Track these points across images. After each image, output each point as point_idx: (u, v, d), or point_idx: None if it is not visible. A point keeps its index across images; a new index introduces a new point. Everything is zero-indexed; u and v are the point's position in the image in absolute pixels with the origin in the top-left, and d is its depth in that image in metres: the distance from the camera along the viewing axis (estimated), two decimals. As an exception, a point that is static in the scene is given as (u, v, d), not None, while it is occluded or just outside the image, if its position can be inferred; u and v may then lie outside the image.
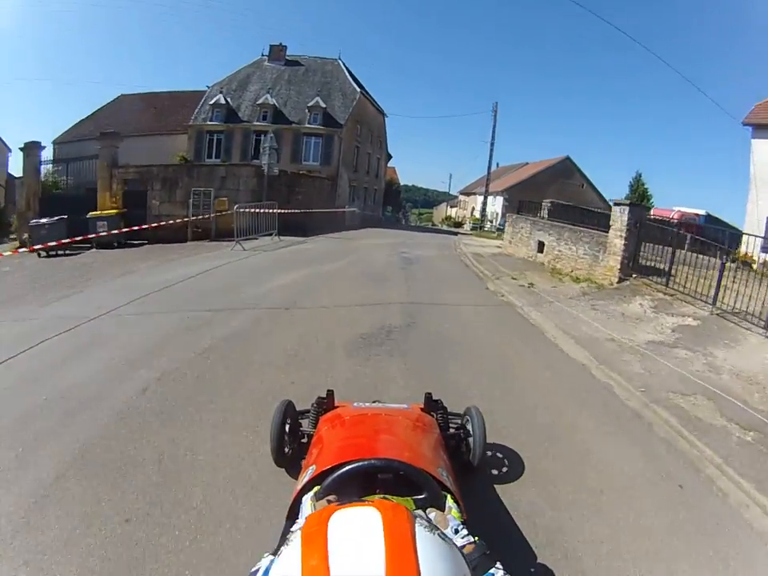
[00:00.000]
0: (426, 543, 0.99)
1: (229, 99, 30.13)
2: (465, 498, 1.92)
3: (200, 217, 15.98)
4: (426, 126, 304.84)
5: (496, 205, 45.17)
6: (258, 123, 28.63)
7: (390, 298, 7.56)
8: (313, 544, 0.97)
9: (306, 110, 27.87)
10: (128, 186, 18.13)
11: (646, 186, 49.59)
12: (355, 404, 2.82)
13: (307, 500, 1.69)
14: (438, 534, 1.06)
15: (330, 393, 2.94)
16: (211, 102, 30.02)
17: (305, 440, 2.89)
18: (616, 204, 10.17)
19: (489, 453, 3.08)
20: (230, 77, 31.81)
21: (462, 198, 64.26)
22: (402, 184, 65.62)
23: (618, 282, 9.71)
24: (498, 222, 43.31)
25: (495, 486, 2.97)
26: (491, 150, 34.71)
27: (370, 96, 32.48)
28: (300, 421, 3.03)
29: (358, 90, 29.88)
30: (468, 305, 7.69)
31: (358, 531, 0.99)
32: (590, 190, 47.15)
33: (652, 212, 18.04)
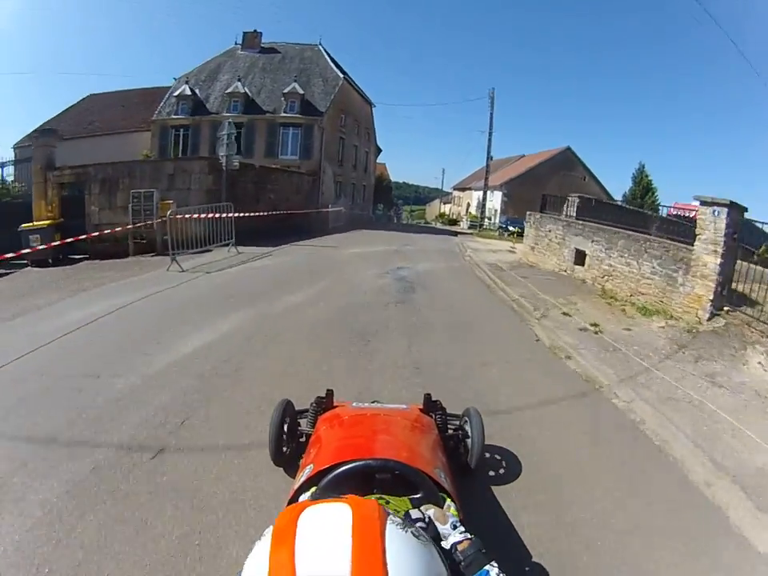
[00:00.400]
0: (395, 540, 0.97)
1: (196, 90, 26.60)
2: (462, 497, 1.90)
3: (142, 224, 12.60)
4: (417, 122, 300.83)
5: (494, 200, 42.02)
6: (229, 114, 25.10)
7: (381, 387, 4.15)
8: (282, 540, 0.96)
9: (282, 98, 24.42)
10: (66, 191, 14.86)
11: (650, 178, 46.88)
12: (354, 404, 2.82)
13: (305, 500, 1.67)
14: (411, 532, 1.03)
15: (330, 392, 2.91)
16: (176, 94, 26.47)
17: (303, 439, 2.80)
18: (704, 203, 6.94)
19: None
20: (200, 67, 28.30)
21: (455, 193, 61.11)
22: (392, 181, 63.35)
23: (708, 319, 6.55)
24: (497, 219, 40.25)
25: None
26: (489, 140, 31.53)
27: (354, 83, 29.10)
28: (299, 420, 2.96)
29: (341, 75, 26.47)
30: (522, 394, 4.22)
31: (327, 527, 0.98)
32: (593, 183, 44.20)
33: (672, 207, 15.15)
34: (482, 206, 32.79)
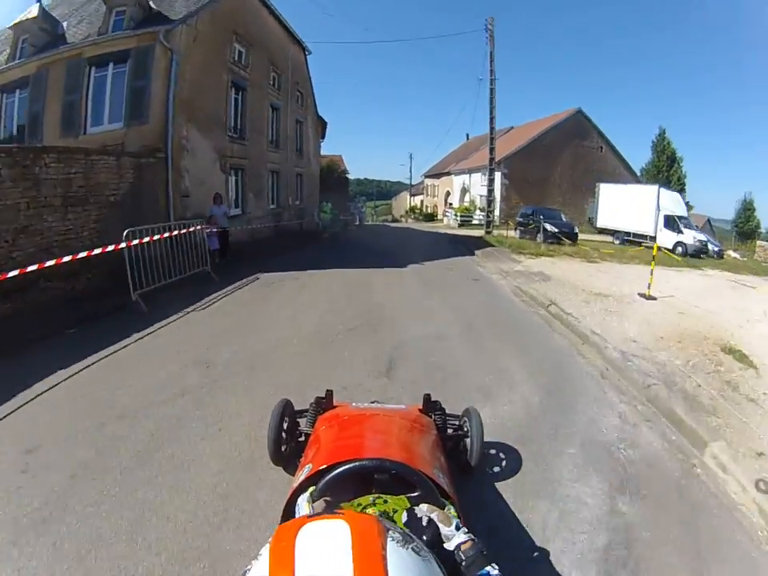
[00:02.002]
0: (397, 560, 0.94)
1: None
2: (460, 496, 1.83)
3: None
4: (376, 109, 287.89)
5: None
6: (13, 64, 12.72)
7: None
8: (280, 562, 0.93)
9: (106, 14, 11.98)
10: None
11: (673, 147, 37.32)
12: (353, 404, 2.79)
13: (303, 501, 1.66)
14: (412, 548, 1.00)
15: (329, 393, 2.88)
16: None
17: (302, 439, 2.82)
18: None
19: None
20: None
21: (428, 182, 49.81)
22: (352, 177, 53.15)
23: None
24: (497, 211, 29.18)
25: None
26: (491, 91, 20.05)
27: (273, 6, 16.85)
28: (298, 420, 2.96)
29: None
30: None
31: (326, 546, 0.95)
32: (611, 155, 33.93)
33: None
34: (488, 191, 21.21)
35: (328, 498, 1.60)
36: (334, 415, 2.63)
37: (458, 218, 29.41)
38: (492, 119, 20.04)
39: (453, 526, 1.40)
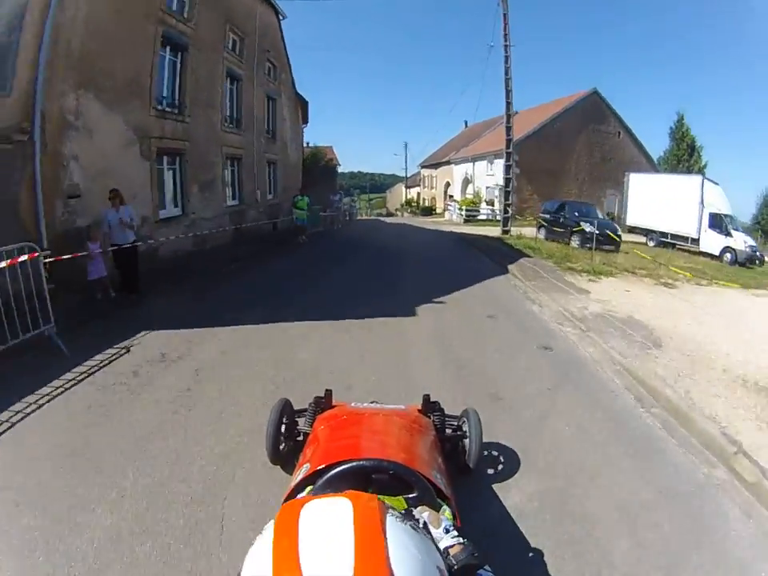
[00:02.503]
0: (396, 534, 0.98)
1: None
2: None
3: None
4: (368, 97, 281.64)
5: (495, 173, 27.38)
6: None
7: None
8: (284, 536, 0.96)
9: None
10: None
11: (692, 134, 33.98)
12: (352, 404, 2.75)
13: None
14: (410, 525, 1.05)
15: (328, 392, 2.86)
16: None
17: (301, 438, 2.79)
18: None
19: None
20: None
21: (425, 173, 46.10)
22: (345, 171, 49.96)
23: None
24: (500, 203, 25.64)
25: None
26: (506, 57, 16.33)
27: None
28: (297, 419, 2.92)
29: None
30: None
31: (329, 523, 0.98)
32: (629, 141, 30.34)
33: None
34: (505, 180, 17.36)
35: None
36: (332, 415, 2.58)
37: (464, 213, 25.79)
38: (508, 92, 16.38)
39: (441, 528, 1.39)
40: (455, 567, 1.23)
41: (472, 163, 30.97)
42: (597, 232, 14.03)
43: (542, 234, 16.01)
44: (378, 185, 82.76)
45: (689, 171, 30.37)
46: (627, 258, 11.87)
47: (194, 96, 10.92)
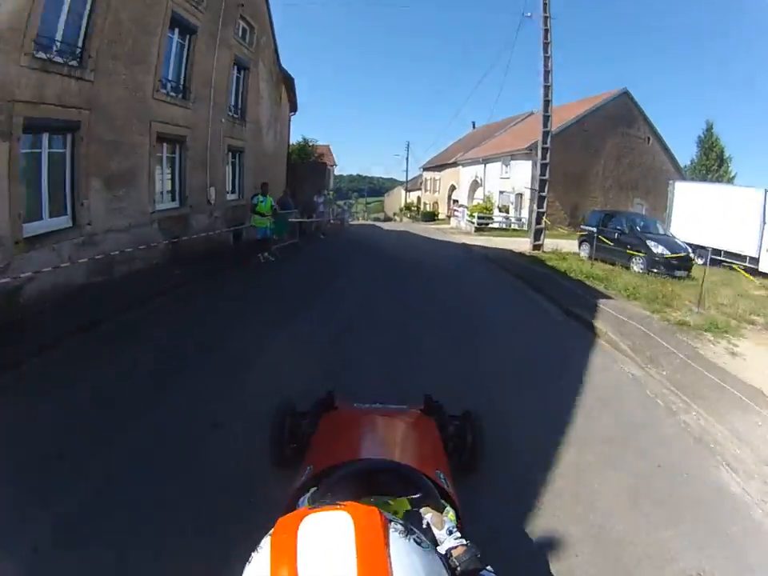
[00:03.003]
0: (399, 551, 0.92)
1: None
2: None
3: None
4: (368, 97, 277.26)
5: (512, 177, 23.75)
6: None
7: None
8: (282, 553, 0.90)
9: None
10: None
11: (722, 144, 31.82)
12: (355, 405, 2.73)
13: (305, 501, 1.59)
14: (414, 539, 0.98)
15: (331, 393, 2.78)
16: None
17: (304, 440, 2.63)
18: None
19: None
20: None
21: (428, 175, 42.59)
22: (342, 174, 47.81)
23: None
24: (521, 213, 21.88)
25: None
26: (546, 31, 12.66)
27: None
28: (300, 421, 2.80)
29: None
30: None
31: (329, 538, 0.92)
32: (659, 147, 26.88)
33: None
34: (540, 182, 13.20)
35: (329, 500, 1.42)
36: (335, 416, 2.57)
37: (476, 221, 22.13)
38: (547, 74, 12.71)
39: (444, 530, 1.36)
40: (458, 569, 1.19)
41: (483, 165, 27.37)
42: (668, 253, 10.59)
43: (584, 252, 12.53)
44: (377, 188, 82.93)
45: (718, 181, 27.64)
46: (715, 290, 8.47)
47: (110, 43, 7.15)
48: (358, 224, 31.47)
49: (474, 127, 45.23)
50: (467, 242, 16.63)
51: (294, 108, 19.77)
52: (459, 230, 23.91)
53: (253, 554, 0.95)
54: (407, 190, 48.19)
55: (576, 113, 24.17)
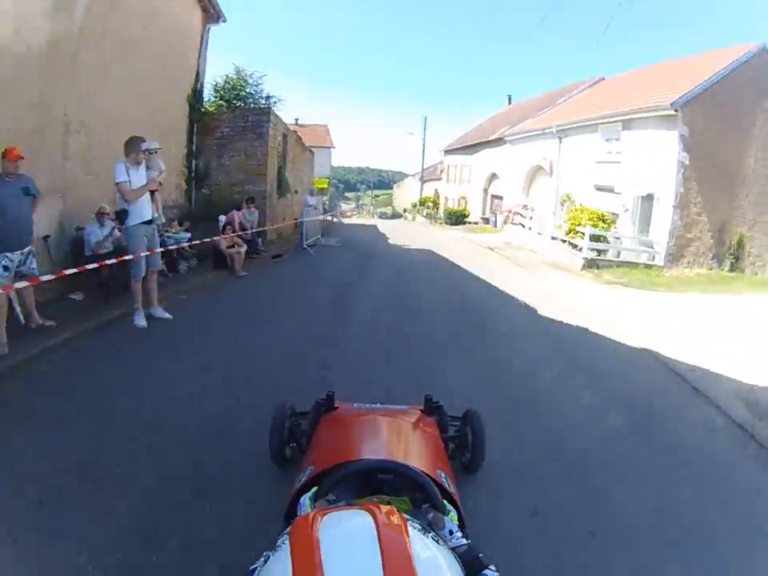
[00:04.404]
0: (421, 549, 0.94)
1: None
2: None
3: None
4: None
5: (623, 159, 13.16)
6: None
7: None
8: (304, 553, 0.89)
9: None
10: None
11: None
12: (355, 405, 2.72)
13: (306, 500, 1.57)
14: (432, 537, 1.01)
15: (331, 394, 2.75)
16: None
17: (304, 440, 2.71)
18: None
19: None
20: None
21: (451, 161, 32.15)
22: (349, 166, 53.53)
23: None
24: (667, 228, 10.94)
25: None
26: None
27: None
28: (299, 421, 2.85)
29: None
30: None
31: (352, 538, 0.93)
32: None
33: None
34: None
35: (331, 498, 1.49)
36: (335, 416, 2.56)
37: (586, 245, 11.52)
38: None
39: (445, 530, 1.36)
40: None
41: (557, 139, 16.56)
42: None
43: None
44: (386, 181, 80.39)
45: None
46: None
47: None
48: (355, 223, 21.13)
49: (510, 102, 34.41)
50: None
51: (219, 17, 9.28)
52: (533, 250, 13.37)
53: (269, 553, 0.94)
54: (423, 181, 37.44)
55: (713, 69, 13.00)
